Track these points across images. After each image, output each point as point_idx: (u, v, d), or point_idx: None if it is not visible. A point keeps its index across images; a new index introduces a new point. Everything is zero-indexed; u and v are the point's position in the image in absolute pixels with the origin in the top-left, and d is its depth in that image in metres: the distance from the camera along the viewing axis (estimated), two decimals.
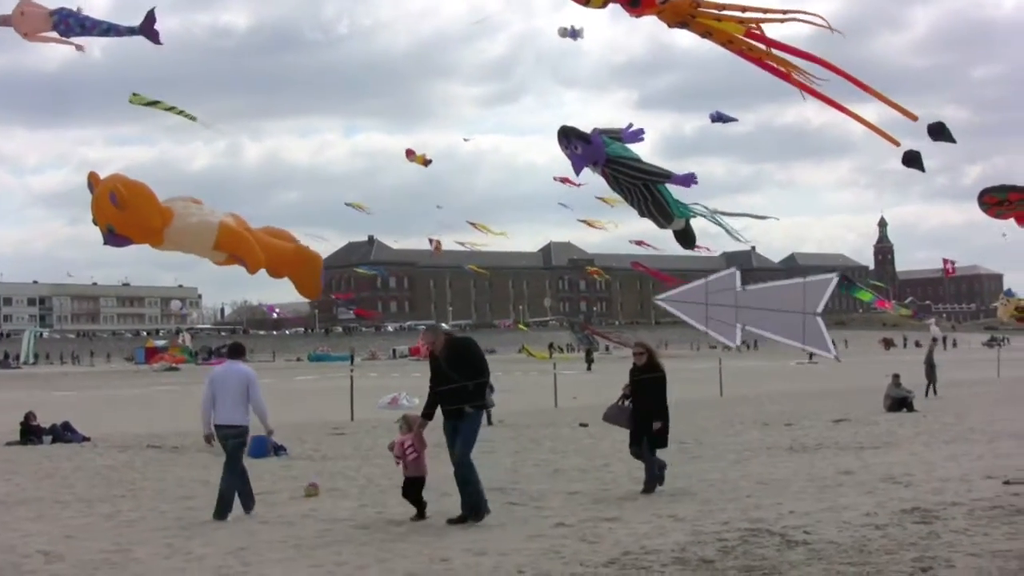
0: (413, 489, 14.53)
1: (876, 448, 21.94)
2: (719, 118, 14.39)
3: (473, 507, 14.03)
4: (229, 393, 14.90)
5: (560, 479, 18.38)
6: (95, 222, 12.76)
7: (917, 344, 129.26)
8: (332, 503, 16.20)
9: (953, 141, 11.25)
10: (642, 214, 12.12)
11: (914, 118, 10.49)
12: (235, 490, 14.84)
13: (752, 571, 10.78)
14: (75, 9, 14.70)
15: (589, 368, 75.52)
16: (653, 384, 16.57)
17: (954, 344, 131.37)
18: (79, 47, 15.11)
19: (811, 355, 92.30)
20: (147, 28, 14.63)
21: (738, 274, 15.07)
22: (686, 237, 12.97)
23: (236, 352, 15.71)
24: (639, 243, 52.87)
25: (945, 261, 68.58)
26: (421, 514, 14.39)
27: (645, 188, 11.80)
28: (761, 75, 10.44)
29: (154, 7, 14.65)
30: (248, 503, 15.12)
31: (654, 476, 16.53)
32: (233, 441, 14.95)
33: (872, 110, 10.56)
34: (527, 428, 28.46)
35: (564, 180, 25.98)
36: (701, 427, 27.76)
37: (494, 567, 11.25)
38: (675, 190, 12.08)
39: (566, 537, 12.86)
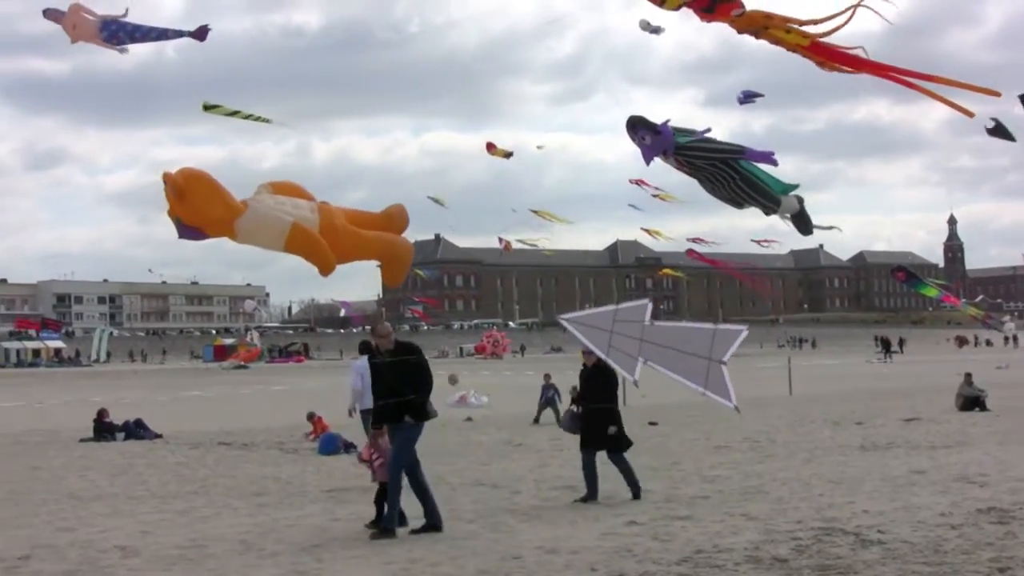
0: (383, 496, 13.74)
1: (949, 447, 21.74)
2: (746, 98, 14.20)
3: (433, 515, 13.51)
4: None
5: None
6: (169, 215, 12.82)
7: (988, 343, 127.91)
8: (404, 500, 16.22)
9: (1012, 139, 11.04)
10: (740, 202, 11.61)
11: (971, 115, 10.37)
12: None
13: (827, 570, 10.72)
14: (123, 14, 14.81)
15: None
16: (603, 385, 15.97)
17: None
18: (122, 49, 15.20)
19: (887, 353, 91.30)
20: (198, 33, 14.74)
21: (649, 307, 15.03)
22: (803, 220, 12.45)
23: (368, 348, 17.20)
24: (696, 240, 52.34)
25: None
26: (378, 522, 13.55)
27: (729, 169, 11.41)
28: (831, 74, 10.41)
29: (208, 25, 14.70)
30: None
31: (635, 478, 16.04)
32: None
33: (940, 106, 10.44)
34: None
35: (639, 182, 25.92)
36: (772, 425, 27.62)
37: (566, 565, 11.25)
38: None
39: (638, 535, 12.84)
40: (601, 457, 15.87)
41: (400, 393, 13.19)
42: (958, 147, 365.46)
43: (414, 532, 13.23)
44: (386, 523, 13.23)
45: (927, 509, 14.14)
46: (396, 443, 13.40)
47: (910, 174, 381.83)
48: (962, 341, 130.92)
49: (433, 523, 13.40)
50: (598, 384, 15.99)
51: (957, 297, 47.01)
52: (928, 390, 40.08)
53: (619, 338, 14.12)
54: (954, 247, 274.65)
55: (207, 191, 12.67)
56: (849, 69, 10.40)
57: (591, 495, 15.64)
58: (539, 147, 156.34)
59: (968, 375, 32.60)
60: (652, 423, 28.62)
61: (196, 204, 12.57)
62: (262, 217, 12.97)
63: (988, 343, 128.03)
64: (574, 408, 16.54)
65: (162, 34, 15.00)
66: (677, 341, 14.37)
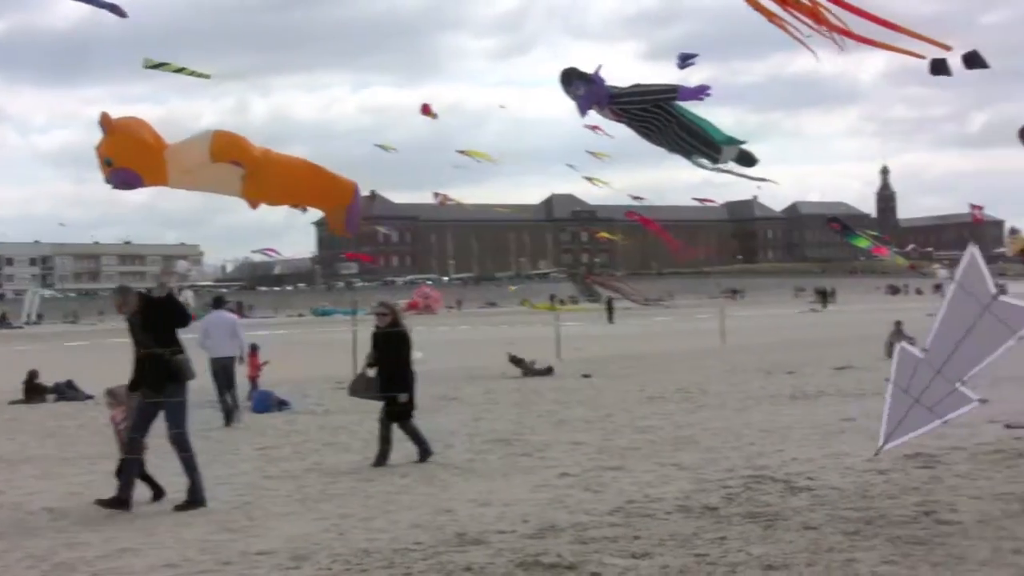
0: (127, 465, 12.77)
1: (878, 394, 21.81)
2: (684, 62, 14.18)
3: (196, 491, 12.61)
4: (222, 333, 21.34)
5: (564, 430, 18.40)
6: (98, 152, 12.37)
7: (918, 291, 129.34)
8: (336, 457, 16.24)
9: (988, 66, 11.06)
10: (686, 151, 11.36)
11: (948, 48, 10.35)
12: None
13: (756, 518, 10.81)
14: None
15: (611, 320, 75.17)
16: (397, 347, 15.51)
17: None
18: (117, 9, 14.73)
19: (822, 303, 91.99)
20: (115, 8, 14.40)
21: (977, 253, 11.32)
22: (746, 157, 12.11)
23: (219, 303, 23.06)
24: (637, 198, 52.48)
25: (973, 206, 68.00)
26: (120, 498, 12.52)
27: (665, 114, 11.18)
28: (770, 25, 10.27)
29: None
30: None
31: (423, 439, 15.54)
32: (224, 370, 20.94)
33: (880, 56, 10.40)
34: (530, 379, 28.48)
35: (595, 128, 25.64)
36: (705, 376, 27.81)
37: (498, 517, 11.27)
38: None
39: (571, 487, 12.90)
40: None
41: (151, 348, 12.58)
42: (894, 98, 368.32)
43: (178, 508, 12.43)
44: (194, 495, 12.57)
45: (855, 456, 14.30)
46: (169, 410, 12.66)
47: (847, 125, 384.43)
48: (893, 290, 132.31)
49: (194, 498, 12.58)
50: (392, 347, 15.51)
51: (887, 247, 47.39)
52: (859, 339, 40.42)
53: (927, 395, 11.37)
54: (886, 197, 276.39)
55: (137, 124, 12.41)
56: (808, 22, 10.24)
57: (383, 457, 15.25)
58: (502, 106, 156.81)
59: (898, 323, 32.89)
60: (586, 375, 28.76)
61: (126, 136, 12.23)
62: (184, 140, 12.61)
63: (918, 292, 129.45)
64: (369, 372, 15.92)
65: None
66: (954, 333, 11.13)
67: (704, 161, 11.43)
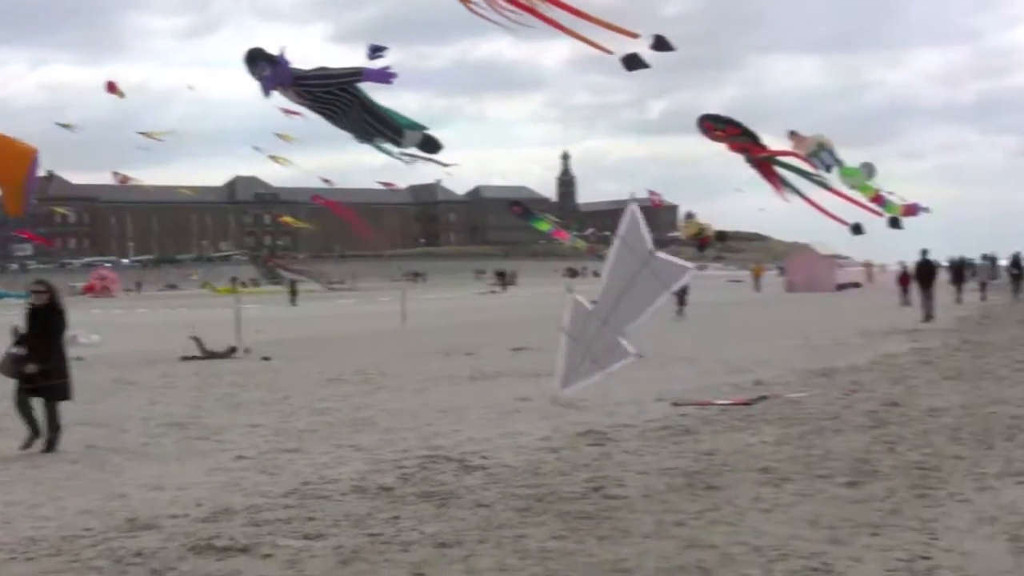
0: None
1: (554, 375, 22.46)
2: (373, 54, 14.04)
3: None
4: None
5: (241, 412, 18.24)
6: None
7: (595, 274, 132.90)
8: (2, 443, 15.66)
9: (648, 66, 11.42)
10: (365, 132, 11.38)
11: (636, 36, 10.65)
12: None
13: (431, 497, 10.97)
14: None
15: (293, 303, 74.63)
16: (50, 325, 14.99)
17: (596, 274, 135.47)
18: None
19: (503, 285, 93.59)
20: None
21: (637, 210, 12.12)
22: (430, 142, 12.12)
23: None
24: (326, 181, 52.55)
25: (651, 192, 70.55)
26: None
27: (349, 96, 11.14)
28: (457, 8, 10.34)
29: None
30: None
31: (57, 428, 14.83)
32: None
33: (564, 43, 10.64)
34: (209, 363, 28.07)
35: (290, 112, 25.18)
36: (385, 358, 27.93)
37: (171, 501, 11.13)
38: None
39: (247, 469, 12.83)
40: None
41: None
42: (577, 84, 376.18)
43: None
44: None
45: (529, 434, 14.68)
46: None
47: (530, 110, 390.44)
48: (572, 273, 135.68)
49: None
50: (44, 325, 14.98)
51: (567, 231, 48.60)
52: (538, 320, 41.29)
53: (595, 345, 12.13)
54: (567, 181, 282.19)
55: None
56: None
57: (34, 434, 14.75)
58: (189, 87, 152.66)
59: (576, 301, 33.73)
60: (265, 358, 28.52)
61: None
62: None
63: (595, 274, 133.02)
64: (15, 351, 14.94)
65: None
66: (618, 286, 11.85)
67: (388, 146, 11.50)
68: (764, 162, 17.29)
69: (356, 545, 9.11)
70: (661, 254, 11.62)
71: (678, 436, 14.25)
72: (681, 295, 41.32)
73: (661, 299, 11.69)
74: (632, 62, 11.12)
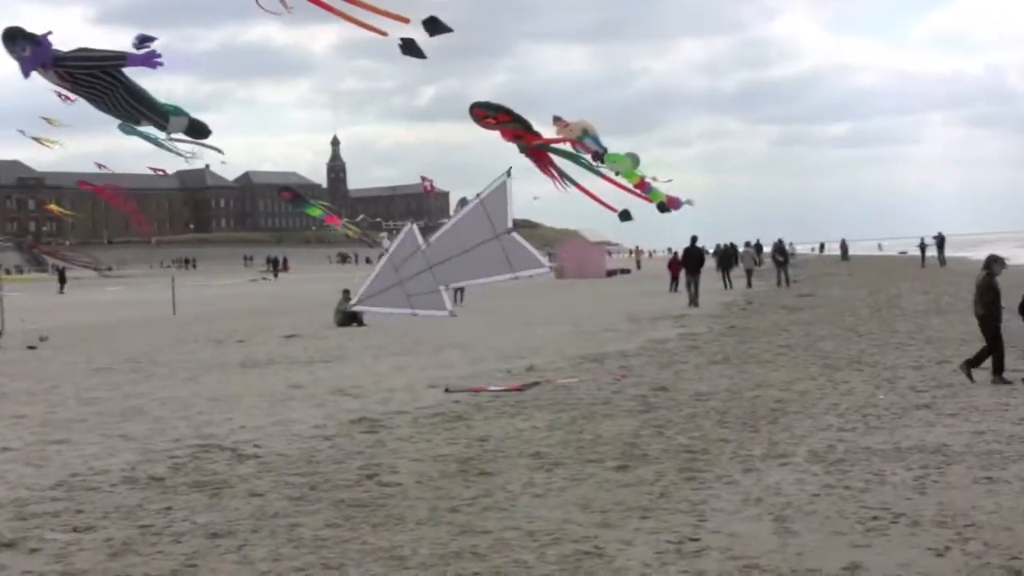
0: None
1: (327, 362, 22.47)
2: (141, 44, 13.71)
3: None
4: None
5: (6, 403, 17.73)
6: None
7: (368, 260, 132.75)
8: None
9: (451, 30, 11.39)
10: (130, 115, 11.16)
11: (406, 20, 10.62)
12: None
13: (203, 487, 10.88)
14: None
15: (62, 291, 72.66)
16: None
17: None
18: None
19: (274, 272, 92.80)
20: None
21: (415, 229, 12.40)
22: (199, 129, 11.92)
23: None
24: (101, 166, 51.16)
25: (423, 179, 70.55)
26: None
27: (111, 79, 10.89)
28: None
29: None
30: None
31: None
32: None
33: (332, 27, 10.59)
34: None
35: (61, 95, 24.18)
36: (154, 346, 27.47)
37: None
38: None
39: (11, 461, 12.53)
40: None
41: None
42: (345, 70, 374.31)
43: None
44: None
45: (303, 422, 14.63)
46: None
47: (299, 95, 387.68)
48: (343, 258, 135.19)
49: None
50: None
51: (339, 217, 48.34)
52: (309, 307, 41.11)
53: (411, 282, 12.17)
54: (337, 168, 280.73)
55: None
56: None
57: None
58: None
59: (346, 291, 33.66)
60: (31, 347, 27.79)
61: None
62: None
63: (367, 260, 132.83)
64: None
65: None
66: (459, 242, 11.88)
67: (152, 132, 11.31)
68: (538, 150, 17.46)
69: (127, 537, 8.99)
70: (521, 240, 11.65)
71: (451, 422, 14.37)
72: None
73: (501, 278, 11.74)
74: (409, 48, 11.14)
